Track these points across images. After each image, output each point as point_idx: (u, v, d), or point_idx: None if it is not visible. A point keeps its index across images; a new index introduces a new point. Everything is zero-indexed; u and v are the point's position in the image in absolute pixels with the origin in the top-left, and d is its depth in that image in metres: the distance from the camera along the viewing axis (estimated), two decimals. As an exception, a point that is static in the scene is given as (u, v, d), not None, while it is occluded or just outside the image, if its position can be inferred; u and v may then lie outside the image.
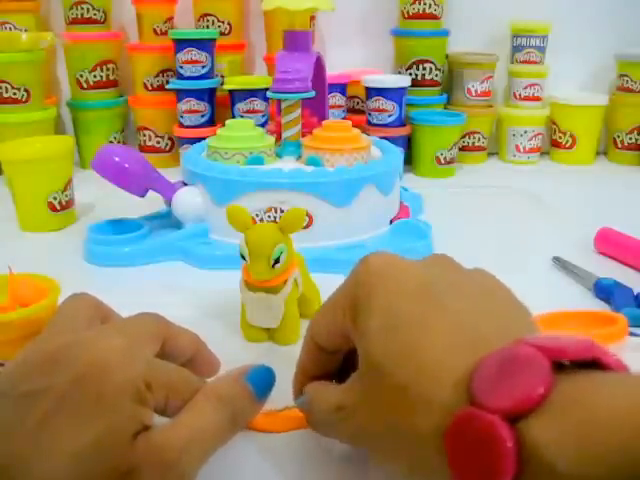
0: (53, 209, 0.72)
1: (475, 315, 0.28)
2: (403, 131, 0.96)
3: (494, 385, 0.23)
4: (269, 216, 0.62)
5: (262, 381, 0.32)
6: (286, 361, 0.45)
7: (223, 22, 1.00)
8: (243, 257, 0.44)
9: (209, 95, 0.97)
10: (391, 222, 0.68)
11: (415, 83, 0.99)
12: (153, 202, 0.69)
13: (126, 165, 0.64)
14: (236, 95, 0.95)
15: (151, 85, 1.01)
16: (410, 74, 1.00)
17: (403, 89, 0.95)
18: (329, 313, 0.33)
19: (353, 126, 0.68)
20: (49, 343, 0.30)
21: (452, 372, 0.25)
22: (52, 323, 0.33)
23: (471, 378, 0.24)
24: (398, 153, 0.72)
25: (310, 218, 0.62)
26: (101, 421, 0.26)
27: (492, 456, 0.22)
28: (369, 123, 0.97)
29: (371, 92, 0.95)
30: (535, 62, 1.03)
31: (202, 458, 0.29)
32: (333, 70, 0.92)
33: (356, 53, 1.06)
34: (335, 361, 0.35)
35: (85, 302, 0.34)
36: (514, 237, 0.71)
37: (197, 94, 0.95)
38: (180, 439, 0.28)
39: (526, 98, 1.05)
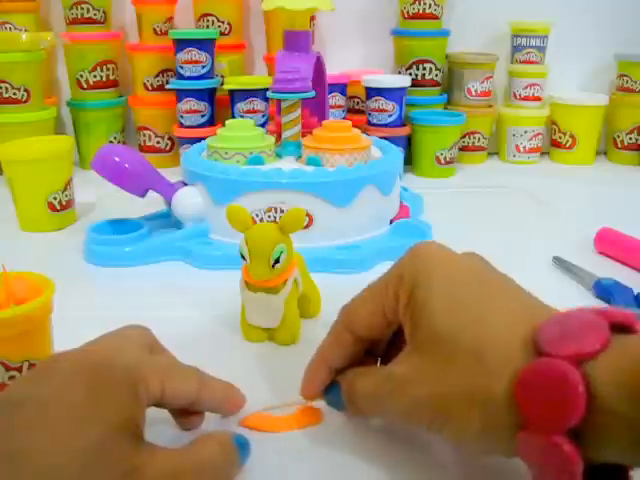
0: (53, 209, 0.72)
1: (520, 295, 0.31)
2: (403, 131, 0.96)
3: (560, 340, 0.26)
4: (269, 216, 0.62)
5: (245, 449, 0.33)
6: (286, 361, 0.45)
7: (223, 22, 1.00)
8: (243, 257, 0.44)
9: (209, 95, 0.97)
10: (391, 222, 0.68)
11: (415, 83, 0.99)
12: (153, 202, 0.69)
13: (126, 165, 0.64)
14: (236, 95, 0.95)
15: (151, 85, 1.01)
16: (410, 74, 1.00)
17: (403, 89, 0.95)
18: (373, 298, 0.34)
19: (353, 126, 0.68)
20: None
21: (520, 338, 0.28)
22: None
23: (535, 339, 0.27)
24: (398, 153, 0.72)
25: (310, 218, 0.62)
26: (103, 421, 0.27)
27: (564, 398, 0.25)
28: (369, 123, 0.97)
29: (371, 92, 0.95)
30: (535, 62, 1.03)
31: None
32: (333, 70, 0.92)
33: (356, 53, 1.06)
34: (360, 352, 0.36)
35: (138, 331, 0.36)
36: (514, 237, 0.71)
37: (197, 94, 0.95)
38: (190, 462, 0.29)
39: (526, 98, 1.05)
